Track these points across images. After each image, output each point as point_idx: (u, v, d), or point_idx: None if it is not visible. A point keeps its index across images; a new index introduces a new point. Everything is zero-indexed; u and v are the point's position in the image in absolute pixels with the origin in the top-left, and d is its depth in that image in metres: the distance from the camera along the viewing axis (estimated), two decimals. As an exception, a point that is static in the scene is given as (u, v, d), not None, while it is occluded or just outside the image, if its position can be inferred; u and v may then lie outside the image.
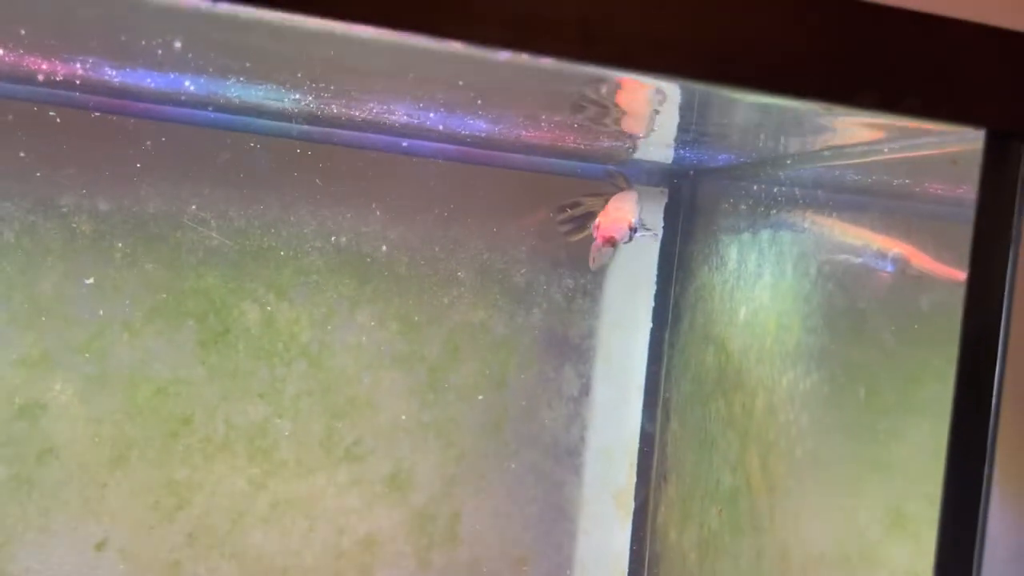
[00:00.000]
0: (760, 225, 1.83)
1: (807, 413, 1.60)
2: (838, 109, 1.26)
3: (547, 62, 1.13)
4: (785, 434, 1.65)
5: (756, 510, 1.74)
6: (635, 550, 2.31)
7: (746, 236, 1.88)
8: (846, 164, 1.59)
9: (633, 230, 1.87)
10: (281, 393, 2.20)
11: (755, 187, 1.88)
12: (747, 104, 1.65)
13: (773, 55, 1.16)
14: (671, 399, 2.22)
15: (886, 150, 1.48)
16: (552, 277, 2.34)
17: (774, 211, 1.78)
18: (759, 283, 1.80)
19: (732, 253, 1.94)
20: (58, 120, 2.04)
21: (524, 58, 1.14)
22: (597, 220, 1.94)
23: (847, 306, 1.55)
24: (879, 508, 1.53)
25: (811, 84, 1.18)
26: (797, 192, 1.70)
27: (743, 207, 1.92)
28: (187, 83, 1.78)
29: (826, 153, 1.62)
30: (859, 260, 1.45)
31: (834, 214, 1.61)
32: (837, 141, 1.58)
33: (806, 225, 1.67)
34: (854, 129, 1.49)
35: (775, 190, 1.80)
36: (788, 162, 1.75)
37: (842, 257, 1.55)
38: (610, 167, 2.26)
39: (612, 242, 1.81)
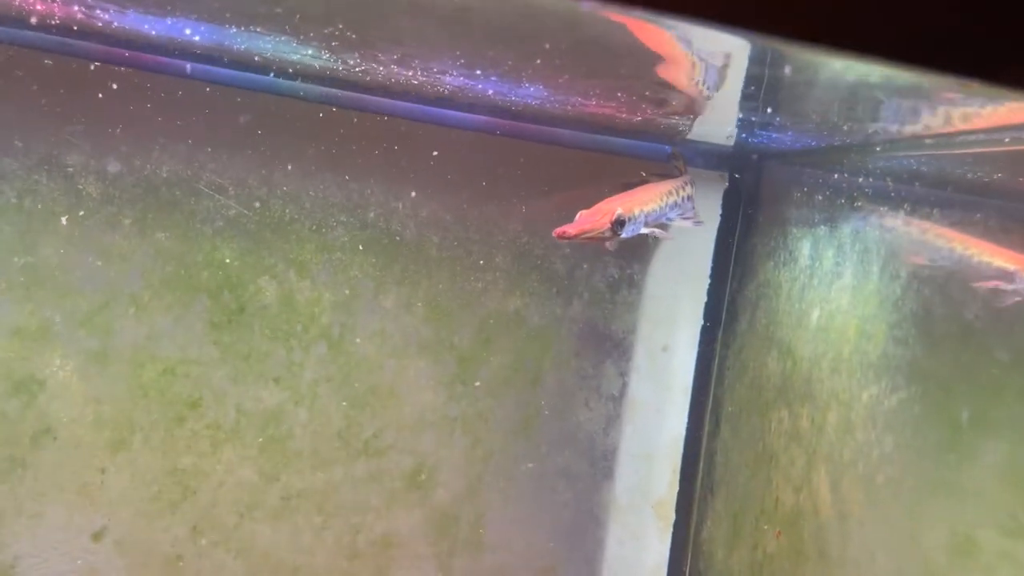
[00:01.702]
0: (841, 218, 1.63)
1: (892, 435, 1.42)
2: (975, 88, 1.06)
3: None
4: (864, 456, 1.46)
5: (823, 537, 1.55)
6: (674, 566, 2.13)
7: (822, 230, 1.68)
8: (955, 155, 1.38)
9: (620, 224, 1.65)
10: (298, 378, 2.03)
11: (835, 175, 1.68)
12: (839, 78, 1.45)
13: (902, 17, 0.96)
14: (722, 405, 2.04)
15: (1008, 140, 1.28)
16: (595, 265, 2.15)
17: (859, 203, 1.59)
18: (837, 283, 1.61)
19: (804, 248, 1.75)
20: (65, 72, 1.86)
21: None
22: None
23: (949, 315, 1.35)
24: (970, 542, 1.35)
25: (947, 56, 0.98)
26: (890, 183, 1.50)
27: (819, 197, 1.72)
28: (188, 30, 1.59)
29: (928, 141, 1.42)
30: (990, 285, 1.25)
31: (936, 211, 1.41)
32: (945, 127, 1.37)
33: (899, 221, 1.47)
34: (972, 112, 1.28)
35: (860, 180, 1.60)
36: (878, 149, 1.55)
37: (949, 264, 1.35)
38: (669, 148, 2.06)
39: (563, 236, 1.57)
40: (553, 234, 1.57)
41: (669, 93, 1.59)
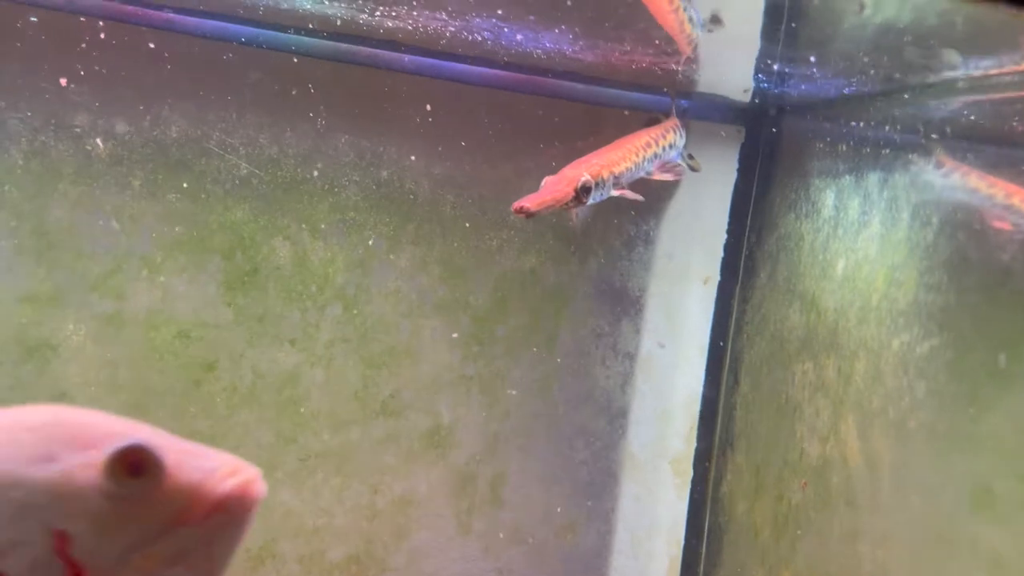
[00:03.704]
0: (866, 168, 1.62)
1: (924, 381, 1.41)
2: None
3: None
4: (895, 403, 1.46)
5: (852, 486, 1.56)
6: (693, 521, 2.14)
7: (847, 180, 1.67)
8: (990, 100, 1.37)
9: (585, 191, 1.50)
10: (314, 340, 2.01)
11: (860, 125, 1.66)
12: (868, 18, 1.43)
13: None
14: (741, 359, 2.04)
15: (1046, 79, 1.26)
16: (610, 223, 2.13)
17: (886, 151, 1.57)
18: (864, 233, 1.60)
19: (827, 199, 1.73)
20: (70, 29, 1.81)
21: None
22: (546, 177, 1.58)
23: (984, 259, 1.34)
24: (1012, 488, 1.35)
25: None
26: (920, 130, 1.49)
27: (843, 147, 1.71)
28: None
29: (961, 85, 1.40)
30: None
31: (968, 157, 1.40)
32: (978, 70, 1.36)
33: (930, 168, 1.46)
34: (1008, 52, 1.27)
35: (887, 128, 1.59)
36: (906, 96, 1.53)
37: (983, 206, 1.34)
38: (667, 91, 2.02)
39: (522, 212, 1.42)
40: (511, 209, 1.44)
41: (661, 36, 1.56)
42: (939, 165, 1.39)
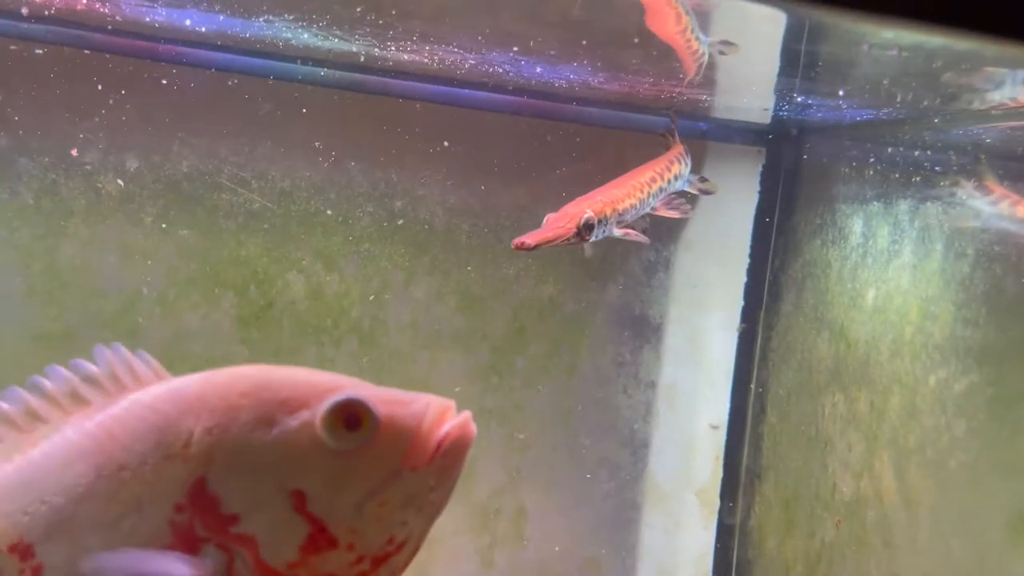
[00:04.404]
0: (896, 194, 1.57)
1: (964, 419, 1.36)
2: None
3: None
4: (933, 442, 1.41)
5: (889, 525, 1.50)
6: (721, 554, 2.09)
7: (875, 207, 1.62)
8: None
9: (588, 228, 1.51)
10: (330, 375, 1.97)
11: (888, 149, 1.61)
12: (888, 49, 1.39)
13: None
14: (768, 388, 1.98)
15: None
16: (629, 248, 2.08)
17: (917, 178, 1.52)
18: (895, 262, 1.55)
19: (855, 226, 1.68)
20: (78, 66, 1.79)
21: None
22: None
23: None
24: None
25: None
26: (952, 157, 1.44)
27: (870, 173, 1.66)
28: (187, 21, 1.53)
29: (996, 112, 1.35)
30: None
31: (1006, 184, 1.35)
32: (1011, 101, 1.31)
33: (964, 197, 1.41)
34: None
35: (917, 153, 1.54)
36: (936, 120, 1.48)
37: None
38: (701, 124, 1.98)
39: (523, 248, 1.45)
40: (512, 245, 1.47)
41: (670, 57, 1.52)
42: (986, 192, 1.34)
